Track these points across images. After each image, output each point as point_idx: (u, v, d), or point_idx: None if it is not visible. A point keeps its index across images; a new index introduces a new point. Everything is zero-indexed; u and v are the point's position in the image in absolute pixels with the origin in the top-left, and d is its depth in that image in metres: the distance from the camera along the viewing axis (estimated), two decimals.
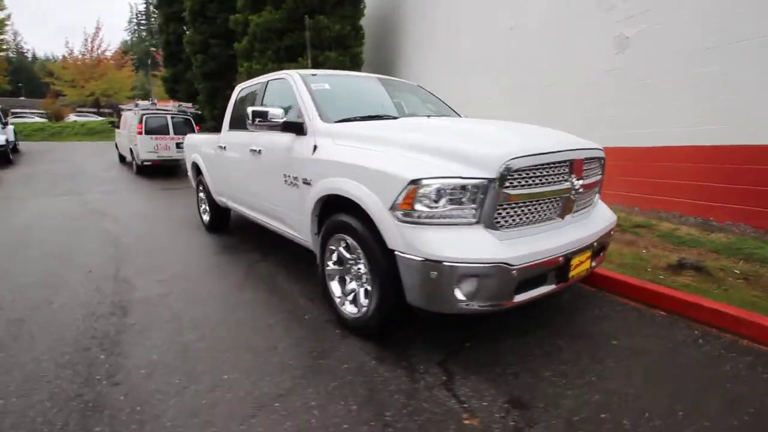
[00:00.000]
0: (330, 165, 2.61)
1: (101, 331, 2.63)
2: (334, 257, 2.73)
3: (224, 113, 4.53)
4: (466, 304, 2.06)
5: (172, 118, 10.94)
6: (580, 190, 2.44)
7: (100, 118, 31.06)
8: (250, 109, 2.98)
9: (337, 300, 2.72)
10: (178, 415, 1.86)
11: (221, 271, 3.79)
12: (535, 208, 2.27)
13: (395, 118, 3.17)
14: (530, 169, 2.17)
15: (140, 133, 10.35)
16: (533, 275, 2.17)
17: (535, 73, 6.29)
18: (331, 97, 3.22)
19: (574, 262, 2.35)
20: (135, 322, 2.75)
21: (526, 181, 2.18)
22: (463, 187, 2.06)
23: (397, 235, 2.13)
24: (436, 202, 2.07)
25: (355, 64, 11.19)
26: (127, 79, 35.94)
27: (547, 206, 2.33)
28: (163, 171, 10.82)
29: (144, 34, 63.42)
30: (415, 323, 2.64)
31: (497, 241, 2.09)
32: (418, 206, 2.08)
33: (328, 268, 2.79)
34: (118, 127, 13.64)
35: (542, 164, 2.21)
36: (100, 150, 16.95)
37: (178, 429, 1.78)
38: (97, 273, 3.68)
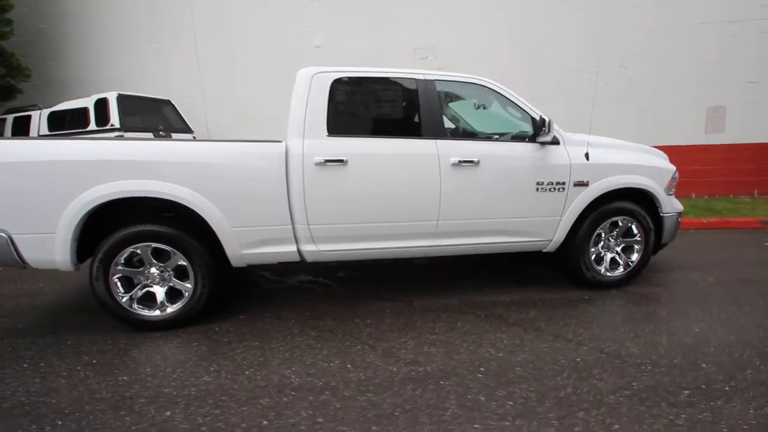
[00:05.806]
0: (609, 167, 3.51)
1: None
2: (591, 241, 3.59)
3: None
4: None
5: None
6: None
7: None
8: (546, 118, 3.09)
9: (600, 268, 3.63)
10: None
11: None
12: None
13: None
14: None
15: None
16: None
17: None
18: None
19: None
20: None
21: None
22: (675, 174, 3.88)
23: (667, 204, 3.70)
24: (674, 182, 3.76)
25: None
26: None
27: None
28: None
29: None
30: None
31: None
32: (672, 185, 3.70)
33: (592, 249, 3.58)
34: None
35: None
36: None
37: None
38: None
